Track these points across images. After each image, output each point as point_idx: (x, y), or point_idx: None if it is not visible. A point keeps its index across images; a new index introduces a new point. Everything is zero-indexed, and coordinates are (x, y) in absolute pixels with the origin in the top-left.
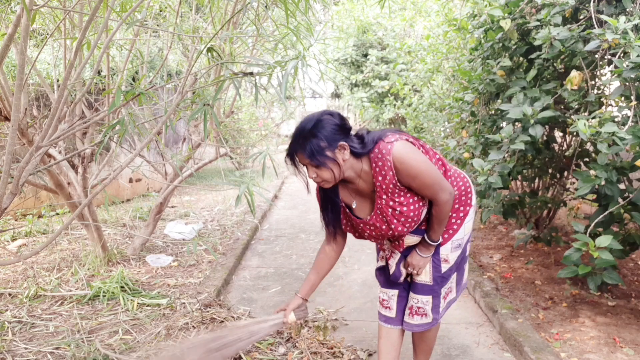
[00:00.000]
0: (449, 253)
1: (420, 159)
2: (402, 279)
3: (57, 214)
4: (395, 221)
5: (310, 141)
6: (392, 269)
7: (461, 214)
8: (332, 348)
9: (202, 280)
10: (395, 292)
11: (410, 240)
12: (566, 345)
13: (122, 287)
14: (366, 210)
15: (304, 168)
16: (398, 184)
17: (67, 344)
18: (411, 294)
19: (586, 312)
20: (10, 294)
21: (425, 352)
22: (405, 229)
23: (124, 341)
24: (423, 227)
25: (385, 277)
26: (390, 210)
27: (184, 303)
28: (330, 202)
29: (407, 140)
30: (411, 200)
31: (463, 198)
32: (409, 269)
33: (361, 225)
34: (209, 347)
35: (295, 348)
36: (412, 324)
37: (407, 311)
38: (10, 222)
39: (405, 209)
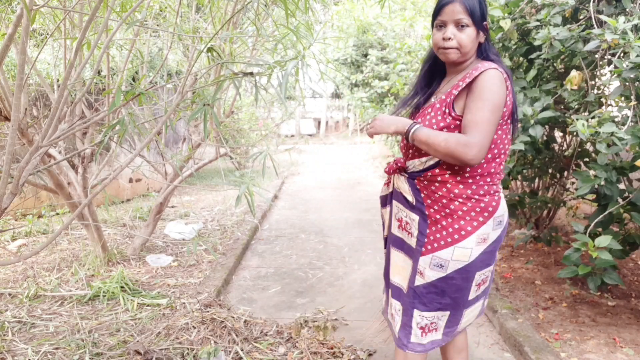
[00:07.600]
0: (426, 267)
1: (496, 96)
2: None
3: (57, 214)
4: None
5: None
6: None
7: (461, 227)
8: (332, 348)
9: (202, 280)
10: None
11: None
12: (566, 345)
13: (122, 287)
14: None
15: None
16: (453, 101)
17: (67, 344)
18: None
19: (586, 312)
20: (10, 294)
21: None
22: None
23: (124, 341)
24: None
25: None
26: (428, 116)
27: (184, 303)
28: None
29: (505, 78)
30: (441, 125)
31: (478, 209)
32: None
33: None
34: None
35: (295, 348)
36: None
37: None
38: (10, 222)
39: (429, 122)
